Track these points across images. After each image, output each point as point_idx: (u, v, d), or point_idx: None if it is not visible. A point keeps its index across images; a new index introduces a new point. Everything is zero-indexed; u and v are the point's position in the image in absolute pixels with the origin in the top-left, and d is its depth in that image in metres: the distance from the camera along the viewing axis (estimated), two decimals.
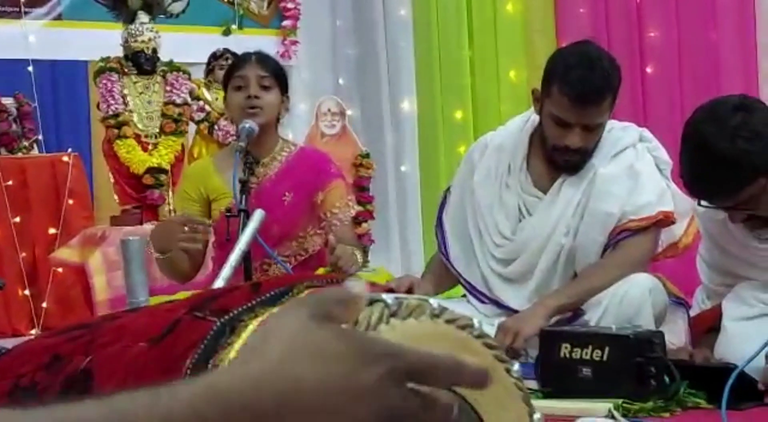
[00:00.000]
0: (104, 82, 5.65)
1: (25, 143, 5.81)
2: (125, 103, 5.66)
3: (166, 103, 5.72)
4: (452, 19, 6.99)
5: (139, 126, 5.69)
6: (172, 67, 5.84)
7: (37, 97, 6.06)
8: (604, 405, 2.31)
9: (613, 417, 2.27)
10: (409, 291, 3.13)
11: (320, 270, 3.20)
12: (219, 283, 2.47)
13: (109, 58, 5.72)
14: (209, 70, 6.21)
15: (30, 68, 6.17)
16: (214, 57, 6.19)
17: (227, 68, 3.60)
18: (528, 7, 6.95)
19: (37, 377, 1.16)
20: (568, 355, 2.51)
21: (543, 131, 3.17)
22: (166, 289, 4.00)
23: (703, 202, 2.78)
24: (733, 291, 2.87)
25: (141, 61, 5.69)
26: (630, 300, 2.98)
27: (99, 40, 5.98)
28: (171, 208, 5.41)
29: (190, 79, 5.93)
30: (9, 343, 2.07)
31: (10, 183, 5.54)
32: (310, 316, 0.71)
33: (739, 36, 6.30)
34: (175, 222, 3.16)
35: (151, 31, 5.71)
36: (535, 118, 3.26)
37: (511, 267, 3.25)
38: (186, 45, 6.42)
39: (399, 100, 7.11)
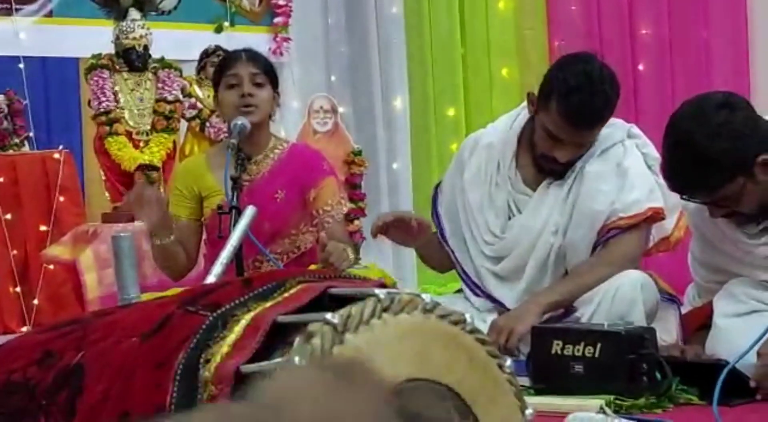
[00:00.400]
0: (95, 79, 5.63)
1: (16, 140, 5.79)
2: (116, 100, 5.64)
3: (157, 100, 5.71)
4: (444, 17, 6.98)
5: (131, 123, 5.67)
6: (164, 64, 5.82)
7: (28, 94, 6.03)
8: (596, 402, 2.31)
9: (605, 413, 2.27)
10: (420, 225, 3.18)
11: (312, 267, 3.20)
12: (210, 280, 2.47)
13: (100, 55, 5.70)
14: (201, 67, 6.19)
15: (21, 65, 6.14)
16: (206, 54, 6.18)
17: (217, 66, 3.59)
18: (520, 4, 6.95)
19: (29, 372, 1.15)
20: (560, 352, 2.52)
21: (533, 135, 3.17)
22: (157, 286, 4.00)
23: (684, 196, 2.80)
24: (724, 288, 2.88)
25: (132, 58, 5.67)
26: (622, 297, 2.99)
27: (90, 37, 5.96)
28: None
29: (181, 76, 5.91)
30: (0, 340, 2.07)
31: (1, 180, 5.52)
32: None
33: (731, 33, 6.32)
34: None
35: (143, 28, 5.69)
36: (525, 115, 3.26)
37: (501, 264, 3.25)
38: (178, 42, 6.40)
39: (391, 97, 7.10)
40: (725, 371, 2.25)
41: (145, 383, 1.06)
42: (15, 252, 5.51)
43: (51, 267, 5.47)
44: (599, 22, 6.67)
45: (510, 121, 3.33)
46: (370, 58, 7.13)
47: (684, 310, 3.14)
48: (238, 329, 1.02)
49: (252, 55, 3.42)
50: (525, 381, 2.52)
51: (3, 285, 5.42)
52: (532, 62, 6.89)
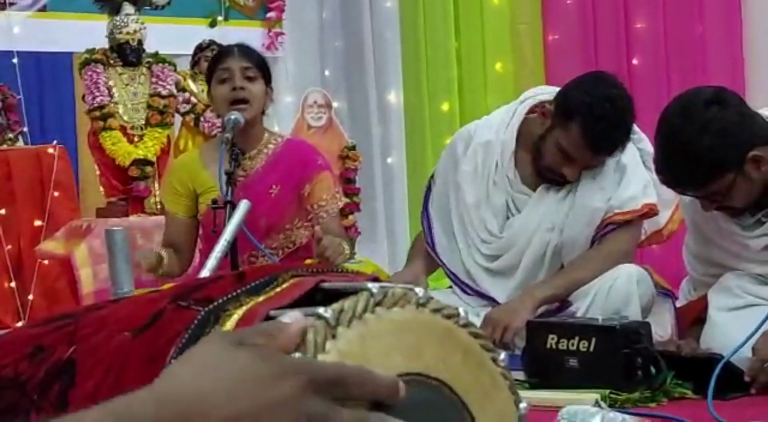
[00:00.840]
0: (89, 73, 5.62)
1: (10, 135, 5.78)
2: (111, 95, 5.63)
3: (151, 95, 5.70)
4: (439, 11, 6.98)
5: (125, 118, 5.66)
6: (158, 58, 5.81)
7: (22, 89, 6.02)
8: (590, 396, 2.31)
9: (600, 407, 2.27)
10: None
11: (307, 262, 3.20)
12: (204, 274, 2.46)
13: (94, 49, 5.69)
14: (195, 62, 6.18)
15: (15, 60, 6.13)
16: (200, 48, 6.17)
17: (209, 61, 3.59)
18: None
19: (20, 368, 1.15)
20: (554, 346, 2.52)
21: (539, 141, 3.15)
22: (152, 281, 3.99)
23: (677, 190, 2.81)
24: (719, 282, 2.88)
25: (126, 53, 5.65)
26: (617, 292, 2.99)
27: (84, 32, 5.95)
28: (157, 200, 5.40)
29: (176, 70, 5.90)
30: None
31: None
32: (229, 342, 0.72)
33: (725, 28, 6.32)
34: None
35: (137, 22, 5.68)
36: (521, 111, 3.25)
37: (497, 262, 3.25)
38: (172, 36, 6.38)
39: (385, 91, 7.10)
40: (720, 365, 2.25)
41: (138, 378, 1.05)
42: (9, 247, 5.50)
43: (45, 262, 5.46)
44: (594, 16, 6.67)
45: (506, 117, 3.31)
46: (364, 53, 7.12)
47: (679, 304, 3.14)
48: (229, 324, 1.01)
49: (244, 50, 3.42)
50: (520, 375, 2.53)
51: None
52: (526, 57, 6.90)
